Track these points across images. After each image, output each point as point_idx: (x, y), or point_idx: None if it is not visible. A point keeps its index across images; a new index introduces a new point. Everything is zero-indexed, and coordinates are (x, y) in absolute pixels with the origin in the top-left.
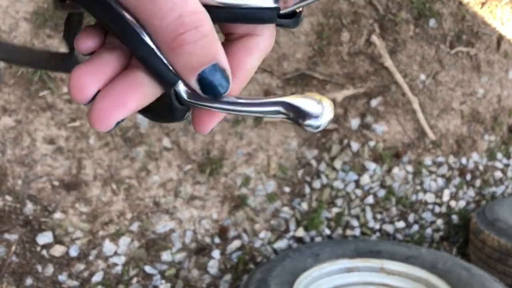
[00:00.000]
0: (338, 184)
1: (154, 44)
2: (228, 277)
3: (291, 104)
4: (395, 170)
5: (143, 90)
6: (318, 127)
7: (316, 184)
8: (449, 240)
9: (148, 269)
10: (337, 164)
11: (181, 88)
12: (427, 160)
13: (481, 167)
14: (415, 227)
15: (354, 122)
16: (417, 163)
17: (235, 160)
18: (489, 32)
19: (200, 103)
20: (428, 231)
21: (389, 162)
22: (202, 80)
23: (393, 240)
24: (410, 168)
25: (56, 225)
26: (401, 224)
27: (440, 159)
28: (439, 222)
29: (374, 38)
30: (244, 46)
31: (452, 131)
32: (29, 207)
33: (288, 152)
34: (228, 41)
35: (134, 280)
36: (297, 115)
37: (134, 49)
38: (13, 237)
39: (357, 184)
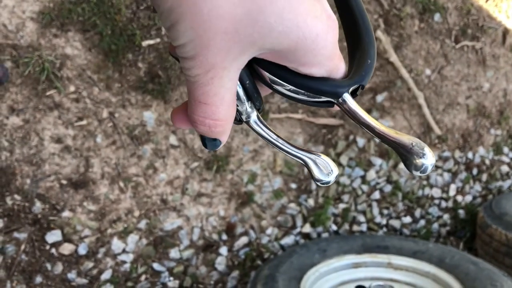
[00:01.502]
0: (344, 180)
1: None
2: (235, 273)
3: (314, 161)
4: (401, 165)
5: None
6: None
7: None
8: (456, 235)
9: (156, 266)
10: (343, 160)
11: (254, 114)
12: None
13: (487, 162)
14: (422, 222)
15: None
16: None
17: (241, 157)
18: (494, 26)
19: (260, 131)
20: (435, 226)
21: (395, 157)
22: (204, 136)
23: (400, 236)
24: None
25: (65, 223)
26: (407, 219)
27: (446, 154)
28: (446, 217)
29: (379, 33)
30: None
31: (458, 126)
32: (38, 205)
33: None
34: None
35: (143, 277)
36: (312, 173)
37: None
38: (22, 235)
39: (364, 179)
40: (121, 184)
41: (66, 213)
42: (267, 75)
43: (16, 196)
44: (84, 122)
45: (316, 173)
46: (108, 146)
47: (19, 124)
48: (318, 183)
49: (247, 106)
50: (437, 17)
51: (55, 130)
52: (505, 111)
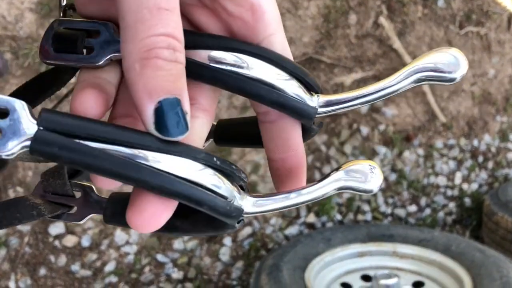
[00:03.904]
0: None
1: (124, 52)
2: (240, 264)
3: (346, 178)
4: (406, 153)
5: None
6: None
7: (326, 169)
8: (462, 223)
9: (160, 257)
10: (347, 149)
11: (246, 201)
12: (438, 143)
13: (493, 149)
14: (427, 211)
15: (364, 106)
16: (428, 146)
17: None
18: (499, 11)
19: (268, 210)
20: (441, 214)
21: (400, 145)
22: (160, 110)
23: (405, 224)
24: (421, 151)
25: None
26: (413, 208)
27: (452, 141)
28: (452, 205)
29: (382, 20)
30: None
31: (463, 113)
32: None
33: None
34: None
35: (147, 268)
36: (355, 189)
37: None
38: (25, 228)
39: None
40: None
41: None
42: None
43: (19, 188)
44: None
45: (358, 186)
46: None
47: None
48: (371, 193)
49: (236, 196)
50: (440, 2)
51: None
52: (511, 98)
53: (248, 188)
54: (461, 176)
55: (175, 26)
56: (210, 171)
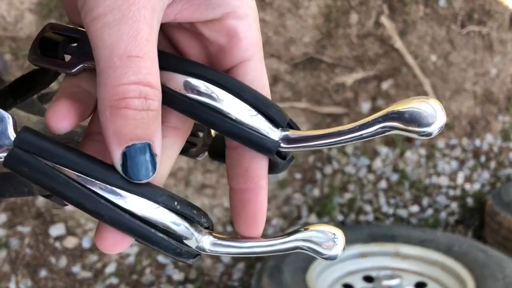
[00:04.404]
0: (349, 169)
1: (98, 96)
2: (241, 265)
3: (308, 239)
4: (408, 153)
5: None
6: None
7: (328, 169)
8: (464, 224)
9: (161, 259)
10: (348, 149)
11: (205, 240)
12: (440, 143)
13: (495, 149)
14: (430, 211)
15: (365, 106)
16: (430, 146)
17: None
18: (501, 10)
19: (224, 252)
20: (443, 214)
21: (401, 145)
22: (127, 155)
23: (407, 225)
24: (423, 151)
25: (68, 216)
26: (415, 209)
27: (453, 141)
28: (454, 205)
29: (383, 19)
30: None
31: (465, 113)
32: (41, 199)
33: None
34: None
35: (147, 270)
36: (315, 251)
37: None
38: (26, 229)
39: (369, 168)
40: None
41: (69, 206)
42: (180, 79)
43: None
44: None
45: (322, 251)
46: None
47: None
48: (330, 260)
49: (194, 235)
50: (442, 2)
51: None
52: None
53: (212, 227)
54: (463, 176)
55: (148, 72)
56: (167, 212)
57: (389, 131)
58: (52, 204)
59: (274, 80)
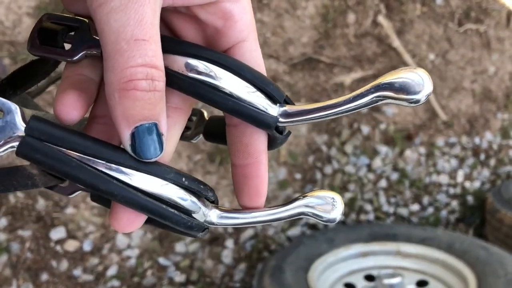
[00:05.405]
0: (349, 168)
1: (105, 80)
2: (242, 266)
3: (308, 205)
4: (407, 152)
5: None
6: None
7: (328, 169)
8: (465, 222)
9: (162, 260)
10: (348, 148)
11: (212, 214)
12: (440, 141)
13: (495, 146)
14: (430, 210)
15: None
16: (429, 144)
17: None
18: (498, 8)
19: (231, 223)
20: (443, 213)
21: (401, 144)
22: (136, 135)
23: (408, 223)
24: (422, 149)
25: (69, 220)
26: (415, 207)
27: (453, 139)
28: (454, 203)
29: (381, 18)
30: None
31: (464, 111)
32: (41, 203)
33: (297, 139)
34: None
35: (149, 272)
36: (316, 215)
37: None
38: (26, 233)
39: (369, 168)
40: None
41: (69, 210)
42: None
43: (19, 194)
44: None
45: (322, 215)
46: None
47: None
48: (330, 223)
49: (202, 209)
50: (439, 0)
51: None
52: None
53: (217, 201)
54: (463, 174)
55: (153, 55)
56: (176, 188)
57: (382, 100)
58: (52, 207)
59: (273, 80)
